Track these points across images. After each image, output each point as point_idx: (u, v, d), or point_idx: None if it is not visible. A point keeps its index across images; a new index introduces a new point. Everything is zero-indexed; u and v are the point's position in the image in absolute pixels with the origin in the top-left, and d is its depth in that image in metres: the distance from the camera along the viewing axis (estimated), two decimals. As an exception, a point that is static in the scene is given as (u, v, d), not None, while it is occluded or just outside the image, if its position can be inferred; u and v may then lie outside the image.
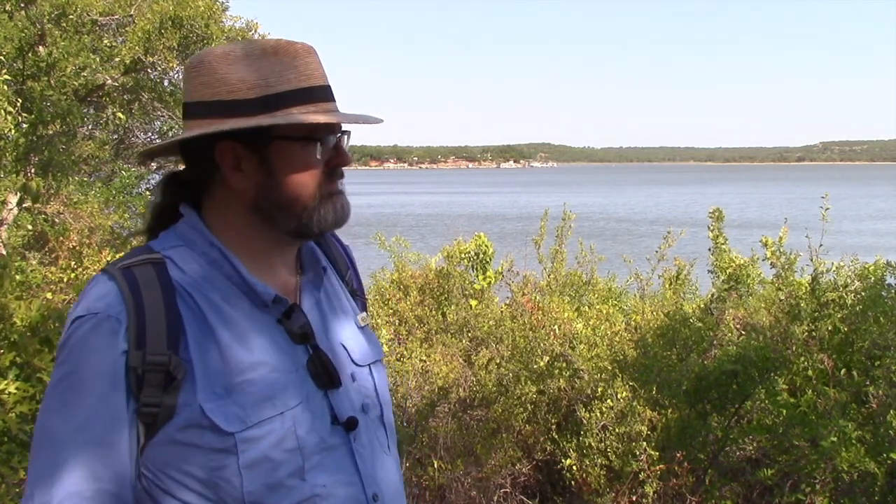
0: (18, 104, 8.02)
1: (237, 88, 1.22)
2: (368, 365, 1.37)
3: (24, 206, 8.33)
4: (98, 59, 9.05)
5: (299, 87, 1.24)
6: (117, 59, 9.34)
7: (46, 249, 7.88)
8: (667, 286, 6.24)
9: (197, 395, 1.16)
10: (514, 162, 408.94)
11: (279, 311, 1.26)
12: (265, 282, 1.27)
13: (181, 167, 1.35)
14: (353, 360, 1.34)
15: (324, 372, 1.26)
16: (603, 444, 3.88)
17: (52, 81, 8.47)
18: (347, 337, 1.36)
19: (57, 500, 1.10)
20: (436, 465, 4.08)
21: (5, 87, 7.15)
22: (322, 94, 1.26)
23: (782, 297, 4.08)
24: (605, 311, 5.04)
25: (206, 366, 1.17)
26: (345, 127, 1.31)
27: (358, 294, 1.48)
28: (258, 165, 1.24)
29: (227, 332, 1.20)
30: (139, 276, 1.19)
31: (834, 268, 4.22)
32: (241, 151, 1.24)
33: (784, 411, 3.60)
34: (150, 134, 11.49)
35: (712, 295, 4.60)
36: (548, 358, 4.31)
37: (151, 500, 1.19)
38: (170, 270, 1.22)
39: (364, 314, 1.45)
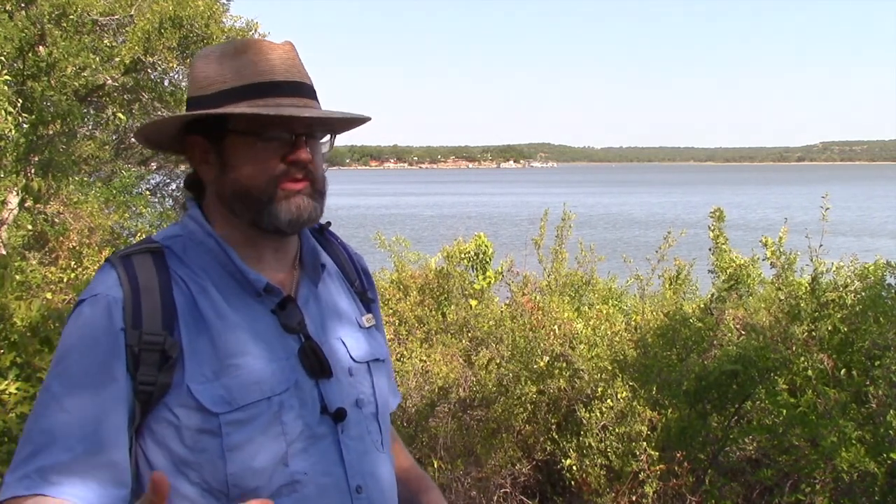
0: (19, 104, 8.01)
1: (202, 85, 1.29)
2: (367, 362, 1.38)
3: (24, 206, 8.33)
4: (98, 59, 9.03)
5: (253, 82, 1.26)
6: (117, 59, 9.32)
7: (46, 249, 7.88)
8: (667, 286, 6.24)
9: (185, 376, 1.19)
10: (515, 162, 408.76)
11: (272, 301, 1.29)
12: (258, 272, 1.30)
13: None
14: (351, 356, 1.36)
15: (315, 361, 1.28)
16: (603, 444, 3.88)
17: (52, 81, 8.46)
18: (346, 334, 1.38)
19: (37, 463, 1.12)
20: (436, 465, 4.08)
21: (5, 88, 7.15)
22: (280, 90, 1.27)
23: (782, 297, 4.08)
24: (605, 311, 5.03)
25: (195, 350, 1.21)
26: (330, 126, 1.34)
27: (364, 295, 1.49)
28: (217, 158, 1.30)
29: (218, 319, 1.24)
30: (136, 263, 1.25)
31: (834, 268, 4.22)
32: (205, 145, 1.31)
33: (784, 411, 3.60)
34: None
35: (712, 295, 4.59)
36: (548, 358, 4.31)
37: (138, 477, 1.21)
38: (167, 259, 1.27)
39: (369, 315, 1.46)
